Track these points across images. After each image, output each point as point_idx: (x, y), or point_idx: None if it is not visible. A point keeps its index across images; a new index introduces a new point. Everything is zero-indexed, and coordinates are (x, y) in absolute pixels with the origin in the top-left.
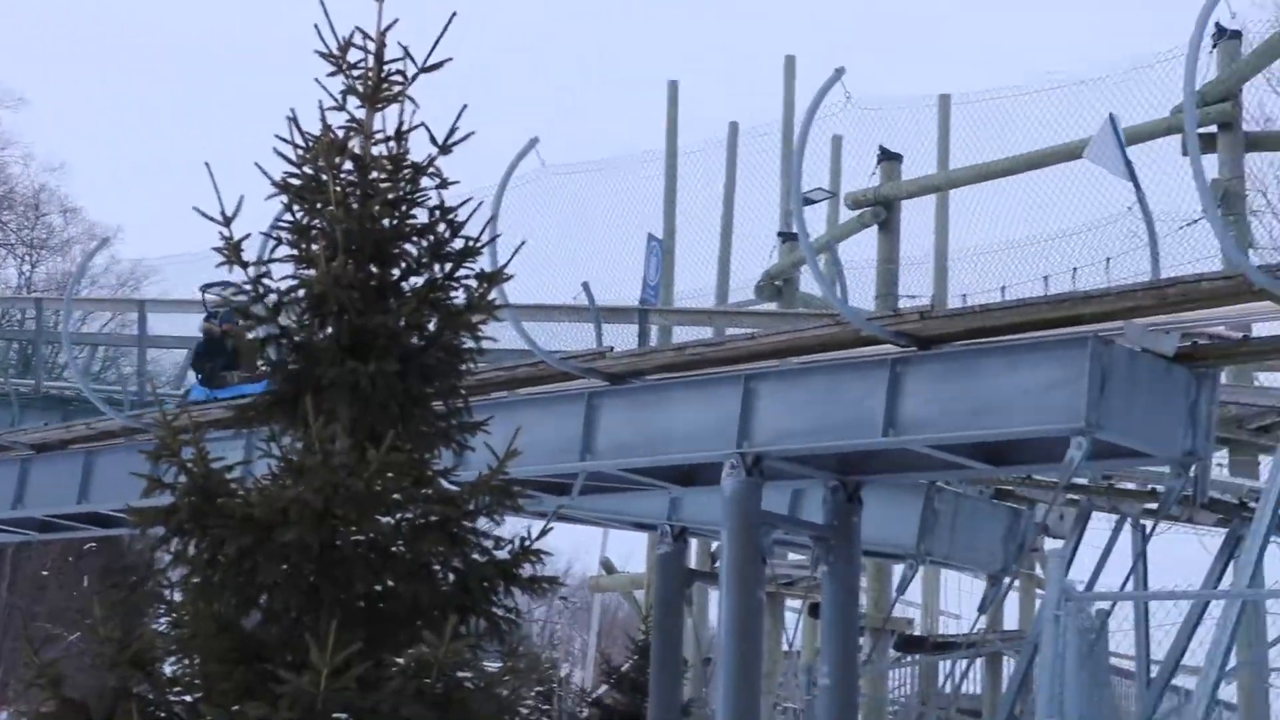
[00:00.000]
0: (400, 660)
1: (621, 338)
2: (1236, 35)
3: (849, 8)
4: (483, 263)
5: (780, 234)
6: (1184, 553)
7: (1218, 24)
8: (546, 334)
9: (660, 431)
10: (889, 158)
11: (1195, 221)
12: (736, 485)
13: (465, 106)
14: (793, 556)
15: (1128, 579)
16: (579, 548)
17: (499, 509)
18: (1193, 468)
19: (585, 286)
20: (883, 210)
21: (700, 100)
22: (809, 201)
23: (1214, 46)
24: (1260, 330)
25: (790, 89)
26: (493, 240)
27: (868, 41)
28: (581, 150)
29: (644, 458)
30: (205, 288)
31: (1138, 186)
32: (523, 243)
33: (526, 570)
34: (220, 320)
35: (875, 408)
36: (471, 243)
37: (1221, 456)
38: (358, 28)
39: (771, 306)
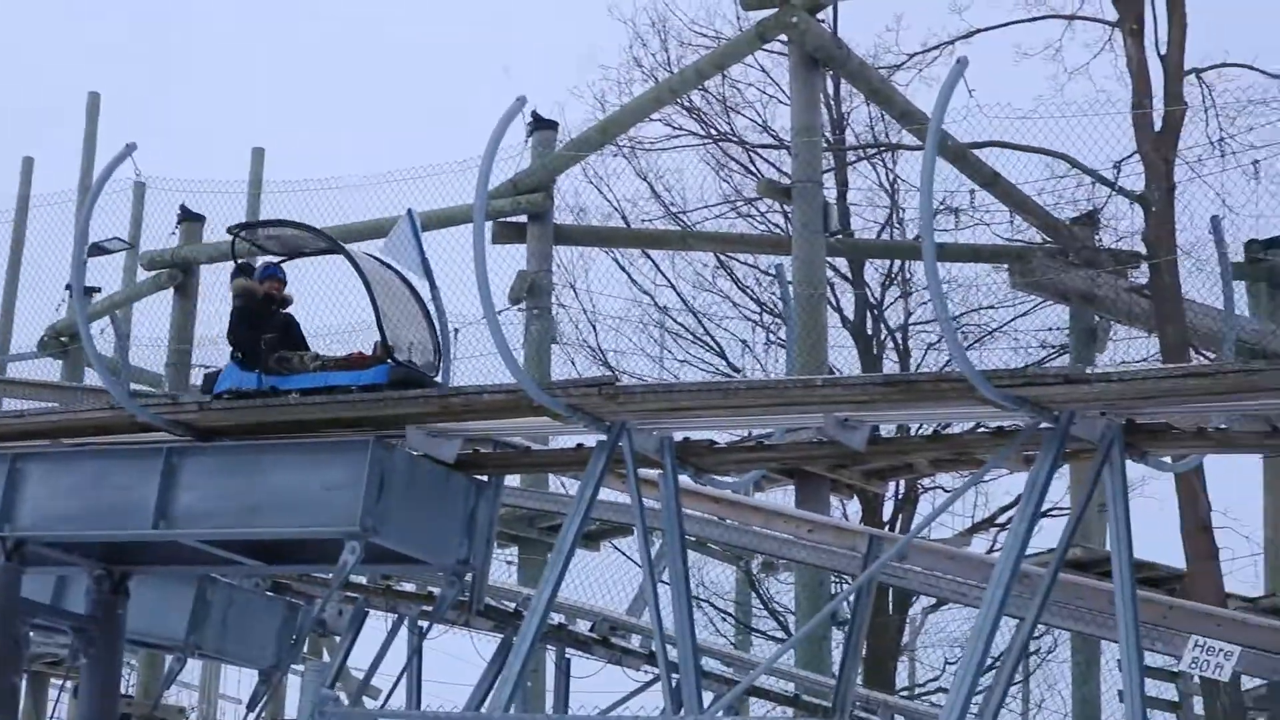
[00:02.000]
0: None
1: None
2: (553, 125)
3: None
4: None
5: (69, 286)
6: (463, 651)
7: (534, 113)
8: None
9: None
10: (190, 218)
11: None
12: None
13: None
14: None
15: (401, 676)
16: None
17: None
18: (467, 575)
19: None
20: (180, 273)
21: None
22: (103, 251)
23: (529, 136)
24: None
25: (93, 124)
26: None
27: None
28: None
29: None
30: (236, 229)
31: (433, 286)
32: None
33: None
34: (260, 274)
35: (147, 498)
36: None
37: (512, 554)
38: None
39: (56, 368)
